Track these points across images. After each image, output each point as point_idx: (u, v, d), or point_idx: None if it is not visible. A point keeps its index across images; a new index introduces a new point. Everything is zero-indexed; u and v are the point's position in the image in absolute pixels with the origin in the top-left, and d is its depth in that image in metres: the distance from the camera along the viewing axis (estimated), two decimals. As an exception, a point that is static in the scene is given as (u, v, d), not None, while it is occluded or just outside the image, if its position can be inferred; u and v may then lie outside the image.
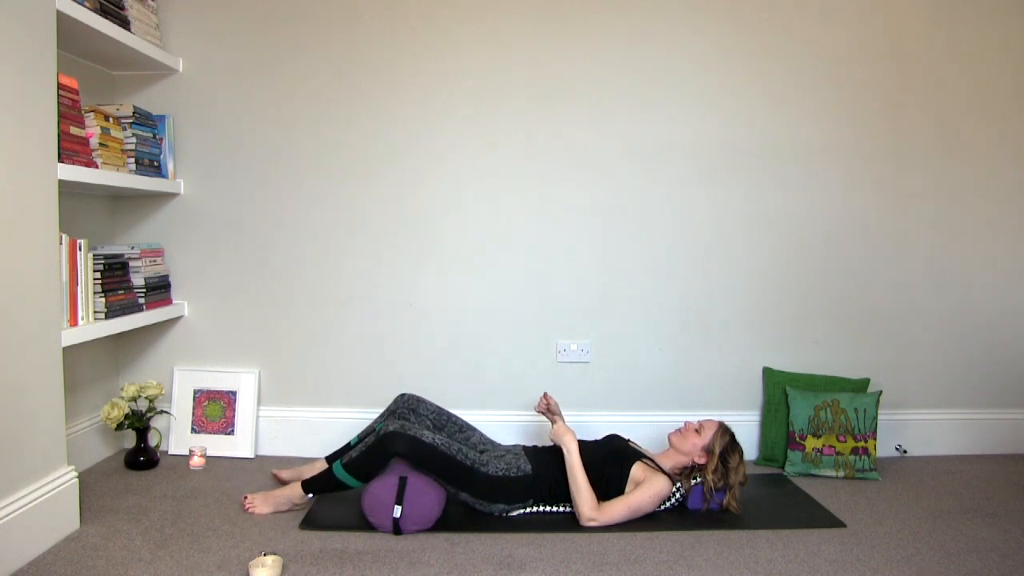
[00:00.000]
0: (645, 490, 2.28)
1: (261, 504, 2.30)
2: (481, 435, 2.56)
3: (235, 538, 2.11)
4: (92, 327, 2.29)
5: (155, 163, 2.70)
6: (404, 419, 2.47)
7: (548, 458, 2.37)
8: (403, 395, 2.57)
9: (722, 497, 2.36)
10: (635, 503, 2.26)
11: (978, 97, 2.93)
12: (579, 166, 2.87)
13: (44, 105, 2.02)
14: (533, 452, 2.42)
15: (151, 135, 2.68)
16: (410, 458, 2.20)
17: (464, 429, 2.55)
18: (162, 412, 2.80)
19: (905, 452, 2.98)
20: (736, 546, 2.14)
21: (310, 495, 2.28)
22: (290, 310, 2.89)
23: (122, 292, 2.52)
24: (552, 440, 2.37)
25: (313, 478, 2.29)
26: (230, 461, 2.80)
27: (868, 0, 2.88)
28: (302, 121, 2.83)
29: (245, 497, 2.33)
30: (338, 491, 2.28)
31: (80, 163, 2.23)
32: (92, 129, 2.35)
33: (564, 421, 2.67)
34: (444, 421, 2.53)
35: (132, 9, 2.55)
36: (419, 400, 2.55)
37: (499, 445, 2.55)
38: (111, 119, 2.48)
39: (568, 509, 2.33)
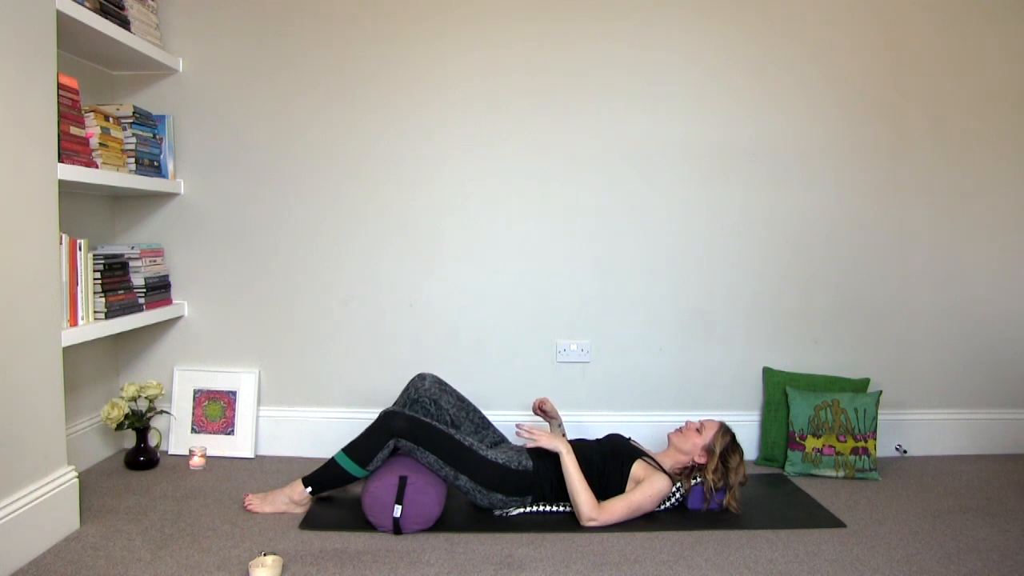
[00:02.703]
0: (645, 489, 2.28)
1: (260, 503, 2.30)
2: (495, 433, 2.55)
3: (235, 538, 2.11)
4: (92, 327, 2.29)
5: (155, 163, 2.70)
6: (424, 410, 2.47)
7: (549, 456, 2.37)
8: (422, 376, 2.50)
9: (722, 497, 2.36)
10: (635, 502, 2.27)
11: (978, 97, 2.93)
12: (579, 166, 2.87)
13: (44, 105, 2.02)
14: (535, 450, 2.42)
15: (151, 135, 2.68)
16: (408, 435, 2.22)
17: (481, 427, 2.54)
18: (162, 412, 2.80)
19: (905, 452, 2.98)
20: (736, 546, 2.14)
21: (309, 489, 2.28)
22: (290, 310, 2.89)
23: (122, 292, 2.52)
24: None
25: (314, 471, 2.30)
26: (230, 461, 2.80)
27: (868, 1, 2.88)
28: (302, 121, 2.83)
29: (246, 496, 2.33)
30: (339, 483, 2.29)
31: (80, 163, 2.22)
32: (92, 129, 2.35)
33: (562, 422, 2.67)
34: (463, 417, 2.51)
35: (132, 9, 2.55)
36: (442, 389, 2.49)
37: (508, 442, 2.55)
38: (111, 119, 2.48)
39: (568, 509, 2.33)
